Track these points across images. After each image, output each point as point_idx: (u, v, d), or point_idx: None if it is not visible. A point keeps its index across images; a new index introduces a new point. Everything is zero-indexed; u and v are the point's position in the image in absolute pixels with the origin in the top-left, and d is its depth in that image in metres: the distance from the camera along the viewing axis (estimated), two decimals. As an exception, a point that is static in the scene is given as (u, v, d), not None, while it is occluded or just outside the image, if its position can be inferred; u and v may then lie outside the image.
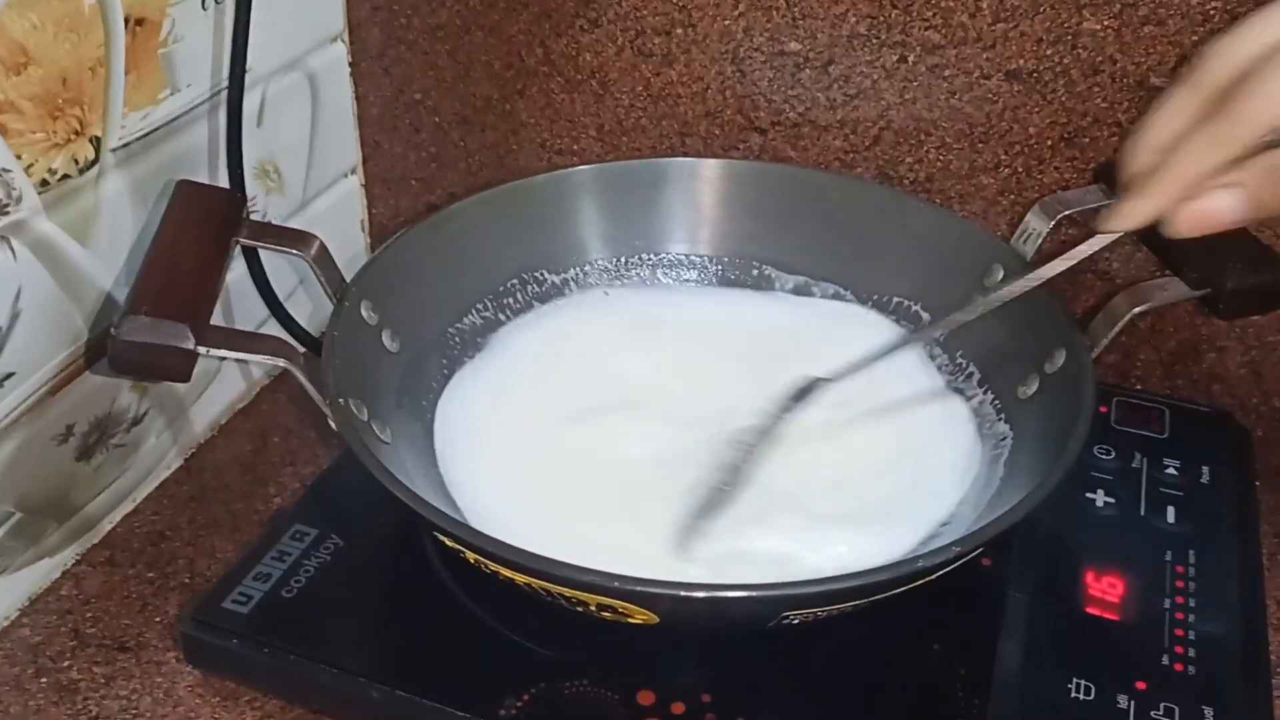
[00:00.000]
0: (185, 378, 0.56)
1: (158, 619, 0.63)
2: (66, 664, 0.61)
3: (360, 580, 0.62)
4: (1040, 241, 0.70)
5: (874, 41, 0.73)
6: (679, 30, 0.76)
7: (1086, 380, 0.59)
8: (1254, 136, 0.46)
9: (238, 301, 0.76)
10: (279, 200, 0.79)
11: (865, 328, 0.73)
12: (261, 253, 0.74)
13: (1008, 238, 0.72)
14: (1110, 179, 0.71)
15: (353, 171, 0.88)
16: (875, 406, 0.68)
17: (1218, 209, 0.49)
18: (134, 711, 0.58)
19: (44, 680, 0.60)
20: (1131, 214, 0.51)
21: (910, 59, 0.73)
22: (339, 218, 0.87)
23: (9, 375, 0.60)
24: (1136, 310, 0.62)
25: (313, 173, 0.82)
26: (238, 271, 0.74)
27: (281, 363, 0.57)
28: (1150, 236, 0.69)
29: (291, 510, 0.66)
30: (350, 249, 0.89)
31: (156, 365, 0.55)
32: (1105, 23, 0.69)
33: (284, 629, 0.58)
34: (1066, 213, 0.70)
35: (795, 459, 0.64)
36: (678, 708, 0.54)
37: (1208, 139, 0.48)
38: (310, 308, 0.82)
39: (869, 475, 0.64)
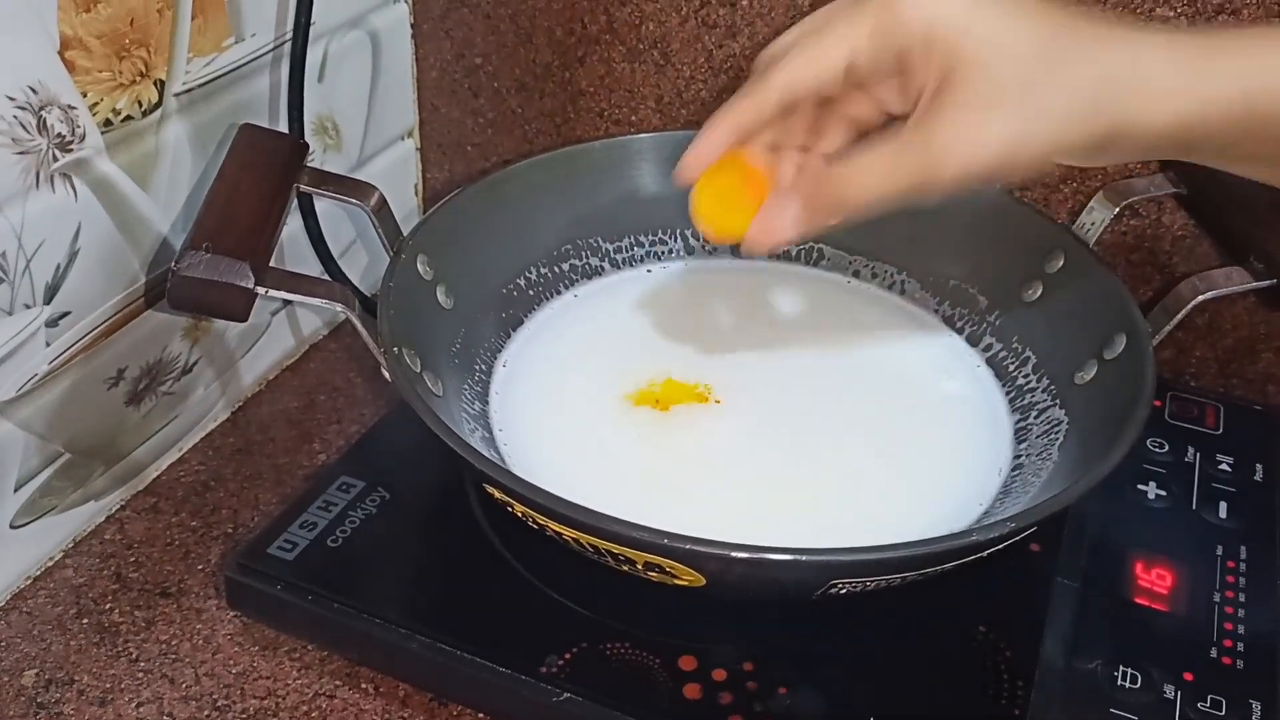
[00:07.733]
0: (243, 317, 0.55)
1: (199, 567, 0.64)
2: (108, 606, 0.61)
3: (405, 533, 0.62)
4: (1102, 230, 0.69)
5: (941, 20, 0.72)
6: (744, 2, 0.76)
7: (1147, 365, 0.58)
8: (776, 95, 0.52)
9: (292, 260, 0.76)
10: (336, 158, 0.78)
11: (910, 320, 0.73)
12: (318, 212, 0.74)
13: (1069, 225, 0.71)
14: (1179, 168, 0.70)
15: (409, 135, 0.87)
16: (923, 391, 0.68)
17: (777, 226, 0.54)
18: (173, 656, 0.58)
19: (85, 621, 0.60)
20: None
21: (977, 39, 0.72)
22: (394, 180, 0.87)
23: (64, 314, 0.60)
24: (1200, 298, 0.62)
25: (370, 133, 0.82)
26: (293, 226, 0.74)
27: (339, 308, 0.57)
28: (1216, 226, 0.69)
29: (339, 461, 0.66)
30: (403, 212, 0.88)
31: (215, 303, 0.55)
32: (1179, 8, 0.67)
33: (328, 577, 0.58)
34: (1130, 200, 0.69)
35: (843, 443, 0.64)
36: (719, 674, 0.54)
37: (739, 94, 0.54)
38: (362, 268, 0.82)
39: (916, 458, 0.64)
